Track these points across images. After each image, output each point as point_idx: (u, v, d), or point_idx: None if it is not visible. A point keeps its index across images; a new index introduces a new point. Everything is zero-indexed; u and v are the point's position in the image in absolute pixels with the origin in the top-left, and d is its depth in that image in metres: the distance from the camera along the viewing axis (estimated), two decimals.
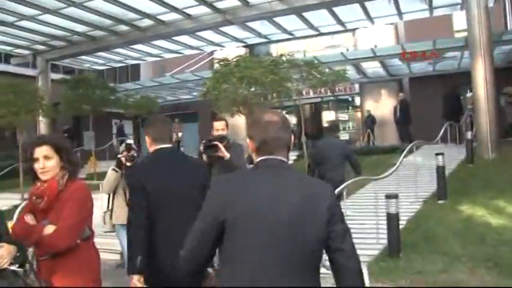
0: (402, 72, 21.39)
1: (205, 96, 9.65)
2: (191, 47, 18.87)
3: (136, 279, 2.76)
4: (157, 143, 3.06)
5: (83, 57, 19.24)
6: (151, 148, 3.10)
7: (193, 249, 1.99)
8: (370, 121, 20.82)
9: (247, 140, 2.07)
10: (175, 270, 2.35)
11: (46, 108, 13.60)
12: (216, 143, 4.07)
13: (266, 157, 2.01)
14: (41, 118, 16.44)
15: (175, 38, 17.24)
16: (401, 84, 22.85)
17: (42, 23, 14.78)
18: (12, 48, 17.97)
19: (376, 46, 17.71)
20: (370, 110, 21.10)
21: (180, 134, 20.36)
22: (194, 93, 25.41)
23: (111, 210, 5.18)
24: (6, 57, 20.30)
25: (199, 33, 16.94)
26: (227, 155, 4.08)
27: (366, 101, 22.85)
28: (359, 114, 25.49)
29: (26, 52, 18.21)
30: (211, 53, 25.78)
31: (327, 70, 13.57)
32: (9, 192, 13.09)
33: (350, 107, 26.98)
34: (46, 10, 13.57)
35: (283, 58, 10.20)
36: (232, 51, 25.11)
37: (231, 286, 1.89)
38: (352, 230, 2.04)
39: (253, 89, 9.32)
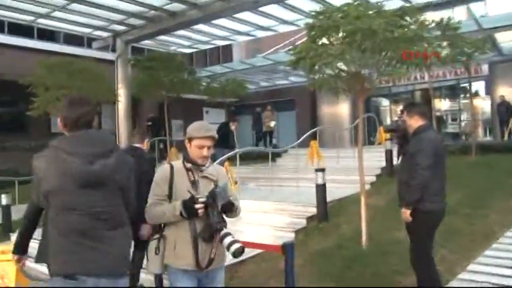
0: None
1: (294, 67, 6.27)
2: (286, 22, 15.50)
3: None
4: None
5: (167, 38, 16.68)
6: None
7: None
8: (504, 109, 16.28)
9: None
10: None
11: (109, 92, 11.03)
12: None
13: None
14: (120, 105, 14.39)
15: (265, 10, 14.06)
16: None
17: None
18: (91, 30, 15.86)
19: None
20: (504, 96, 16.50)
21: (272, 124, 17.17)
22: (291, 78, 22.20)
23: None
24: (89, 42, 18.37)
25: (294, 3, 13.61)
26: None
27: (498, 85, 18.21)
28: (481, 102, 21.05)
29: (105, 34, 16.05)
30: None
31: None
32: None
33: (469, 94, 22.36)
34: None
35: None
36: None
37: None
38: None
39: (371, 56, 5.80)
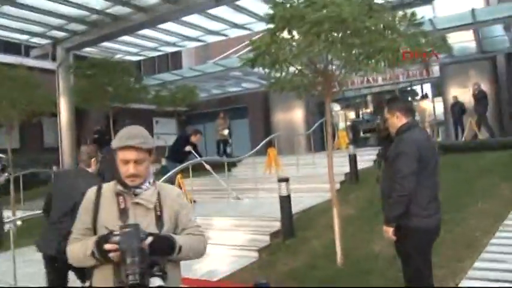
0: (498, 47, 16.61)
1: (252, 65, 5.48)
2: (237, 26, 14.76)
3: None
4: None
5: (112, 45, 15.57)
6: None
7: None
8: (458, 109, 16.15)
9: None
10: None
11: (47, 103, 9.86)
12: None
13: None
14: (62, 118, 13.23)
15: (215, 12, 13.28)
16: (495, 63, 18.06)
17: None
18: (28, 37, 14.59)
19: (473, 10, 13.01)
20: (457, 96, 16.39)
21: (226, 132, 16.31)
22: (244, 85, 21.45)
23: None
24: (27, 50, 16.95)
25: (246, 4, 12.89)
26: None
27: (449, 87, 18.17)
28: (431, 103, 21.09)
29: (44, 41, 14.77)
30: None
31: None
32: None
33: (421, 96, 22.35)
34: None
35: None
36: None
37: None
38: None
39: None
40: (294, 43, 5.04)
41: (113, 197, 2.24)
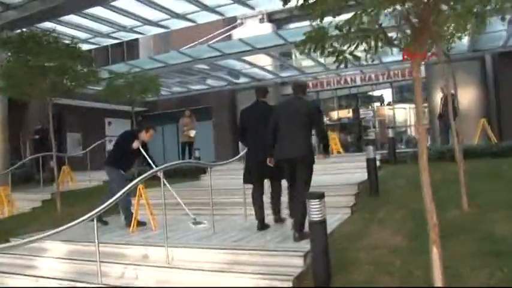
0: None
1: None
2: (207, 8, 12.17)
3: None
4: None
5: (57, 29, 12.62)
6: None
7: None
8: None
9: None
10: None
11: None
12: None
13: None
14: None
15: None
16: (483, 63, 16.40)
17: None
18: None
19: None
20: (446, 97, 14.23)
21: (193, 133, 13.61)
22: (209, 81, 18.79)
23: None
24: None
25: None
26: None
27: (435, 89, 16.32)
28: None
29: None
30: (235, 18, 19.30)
31: None
32: None
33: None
34: None
35: None
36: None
37: None
38: None
39: None
40: None
41: None
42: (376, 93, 20.28)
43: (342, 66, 3.82)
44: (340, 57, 3.75)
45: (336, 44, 3.71)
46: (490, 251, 4.53)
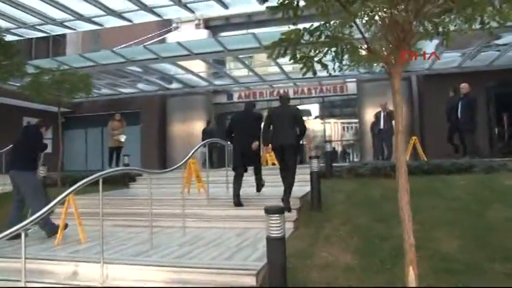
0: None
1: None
2: (145, 7, 11.53)
3: None
4: None
5: None
6: None
7: None
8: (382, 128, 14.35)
9: None
10: None
11: None
12: None
13: None
14: None
15: None
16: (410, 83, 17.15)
17: None
18: None
19: None
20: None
21: (123, 138, 12.85)
22: (139, 85, 17.97)
23: None
24: None
25: None
26: None
27: (366, 105, 16.78)
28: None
29: None
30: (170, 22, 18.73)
31: None
32: None
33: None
34: None
35: None
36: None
37: None
38: None
39: None
40: None
41: None
42: (308, 106, 20.51)
43: (310, 73, 3.62)
44: (309, 64, 3.57)
45: (305, 50, 3.53)
46: (442, 268, 4.49)
